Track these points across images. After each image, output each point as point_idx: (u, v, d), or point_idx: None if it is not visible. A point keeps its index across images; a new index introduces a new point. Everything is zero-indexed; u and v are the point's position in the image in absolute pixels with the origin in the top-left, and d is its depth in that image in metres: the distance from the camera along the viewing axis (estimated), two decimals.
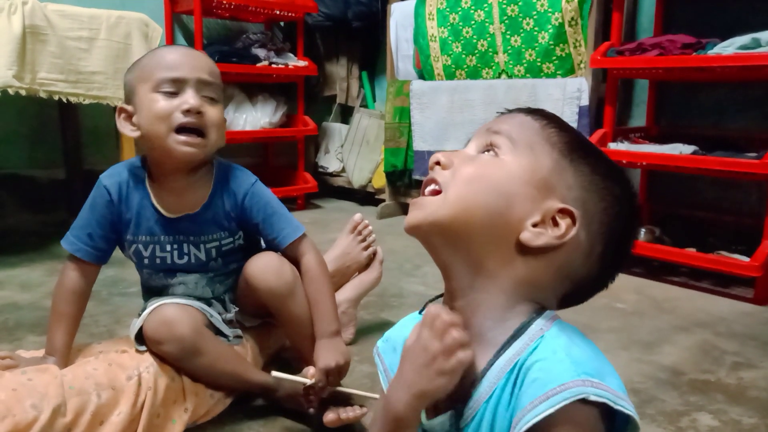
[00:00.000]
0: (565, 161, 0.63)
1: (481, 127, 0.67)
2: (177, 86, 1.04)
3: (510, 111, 0.68)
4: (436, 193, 0.63)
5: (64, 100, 2.08)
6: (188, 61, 1.06)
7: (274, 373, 1.08)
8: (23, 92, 1.94)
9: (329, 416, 1.08)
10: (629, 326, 1.65)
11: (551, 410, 0.52)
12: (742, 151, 1.95)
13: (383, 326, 1.61)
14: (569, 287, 0.64)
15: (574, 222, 0.61)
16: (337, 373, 1.09)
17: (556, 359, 0.56)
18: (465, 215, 0.61)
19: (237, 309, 1.21)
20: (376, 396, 0.73)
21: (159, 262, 1.14)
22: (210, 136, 1.06)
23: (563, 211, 0.61)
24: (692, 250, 2.02)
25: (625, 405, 0.54)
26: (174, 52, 1.07)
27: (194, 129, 1.04)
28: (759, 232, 1.85)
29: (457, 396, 0.62)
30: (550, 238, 0.60)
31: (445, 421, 0.63)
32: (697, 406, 1.23)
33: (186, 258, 1.14)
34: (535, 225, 0.60)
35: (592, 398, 0.52)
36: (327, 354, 1.09)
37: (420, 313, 0.71)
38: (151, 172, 1.12)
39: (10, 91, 1.91)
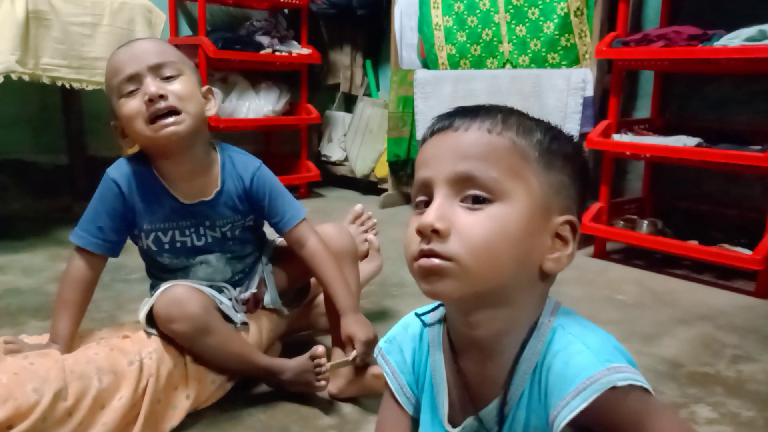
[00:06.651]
0: (543, 166, 0.60)
1: (443, 160, 0.59)
2: (134, 84, 1.05)
3: (448, 123, 0.62)
4: (440, 257, 0.58)
5: (67, 85, 2.09)
6: (132, 55, 1.07)
7: (328, 364, 1.12)
8: (26, 78, 1.94)
9: (338, 384, 1.17)
10: (629, 318, 1.65)
11: (585, 404, 0.54)
12: (746, 144, 1.94)
13: (384, 315, 1.62)
14: None
15: (573, 227, 0.61)
16: (373, 345, 1.11)
17: (575, 350, 0.57)
18: (494, 278, 0.58)
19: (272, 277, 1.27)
20: None
21: (179, 246, 1.16)
22: (186, 109, 1.07)
23: (563, 223, 0.61)
24: (694, 243, 2.01)
25: (643, 380, 0.56)
26: (119, 54, 1.08)
27: (167, 113, 1.05)
28: (762, 226, 1.84)
29: (478, 403, 0.64)
30: (566, 257, 0.61)
31: (472, 424, 0.64)
32: (696, 398, 1.23)
33: (204, 239, 1.17)
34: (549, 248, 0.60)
35: (619, 384, 0.54)
36: (361, 328, 1.13)
37: (417, 315, 0.72)
38: (156, 165, 1.13)
39: (13, 77, 1.91)
